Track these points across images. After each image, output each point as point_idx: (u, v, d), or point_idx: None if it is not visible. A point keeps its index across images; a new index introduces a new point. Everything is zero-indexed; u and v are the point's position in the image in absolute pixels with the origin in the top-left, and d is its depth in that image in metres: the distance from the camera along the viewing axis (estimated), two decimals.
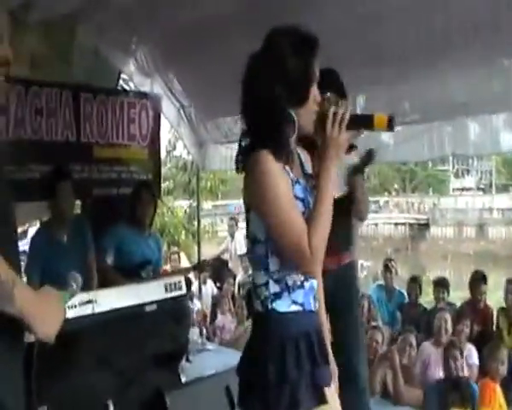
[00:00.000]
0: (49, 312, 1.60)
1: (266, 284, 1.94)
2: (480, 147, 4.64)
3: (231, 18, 4.54)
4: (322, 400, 1.90)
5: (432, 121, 4.58)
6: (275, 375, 1.87)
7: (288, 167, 1.91)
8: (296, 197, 1.90)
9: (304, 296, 1.95)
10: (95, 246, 4.58)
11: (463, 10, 3.83)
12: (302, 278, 1.95)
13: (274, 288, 1.94)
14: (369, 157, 3.05)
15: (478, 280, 5.76)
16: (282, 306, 1.94)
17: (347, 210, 3.20)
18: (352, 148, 2.88)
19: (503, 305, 5.64)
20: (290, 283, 1.94)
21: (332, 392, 2.00)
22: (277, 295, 1.94)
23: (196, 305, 6.88)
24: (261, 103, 1.90)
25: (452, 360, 4.34)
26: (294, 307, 1.94)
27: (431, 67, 3.61)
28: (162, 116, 6.52)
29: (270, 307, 1.94)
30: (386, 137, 4.29)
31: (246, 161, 1.93)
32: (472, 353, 4.74)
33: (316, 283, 2.01)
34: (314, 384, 1.91)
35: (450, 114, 4.49)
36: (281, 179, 1.85)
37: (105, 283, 4.39)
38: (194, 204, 11.13)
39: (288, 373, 1.88)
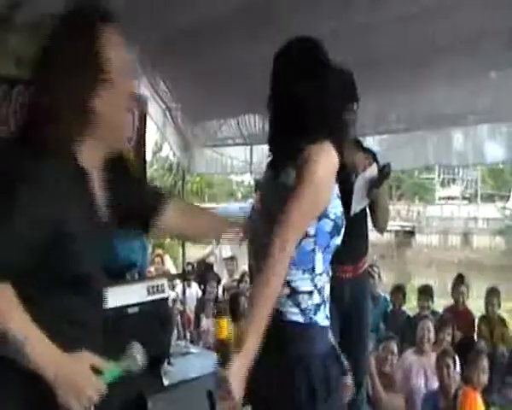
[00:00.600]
0: (76, 380, 1.43)
1: (311, 293, 1.88)
2: (465, 158, 4.65)
3: (219, 22, 4.53)
4: None
5: (417, 131, 4.60)
6: (321, 393, 1.80)
7: None
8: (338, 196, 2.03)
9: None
10: None
11: (450, 22, 3.84)
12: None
13: (317, 298, 1.89)
14: (386, 171, 3.06)
15: (457, 282, 5.82)
16: (322, 319, 1.92)
17: (364, 221, 3.22)
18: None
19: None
20: (325, 296, 1.93)
21: None
22: (318, 307, 1.89)
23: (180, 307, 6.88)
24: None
25: (446, 369, 4.34)
26: (327, 322, 1.94)
27: (417, 78, 3.63)
28: (148, 118, 6.48)
29: (313, 318, 1.87)
30: (371, 145, 4.28)
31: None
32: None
33: None
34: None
35: (435, 124, 4.51)
36: None
37: None
38: None
39: (332, 392, 1.83)
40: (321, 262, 1.89)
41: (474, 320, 5.72)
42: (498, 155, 4.40)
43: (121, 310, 3.66)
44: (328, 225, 1.87)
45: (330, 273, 1.99)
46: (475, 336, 5.63)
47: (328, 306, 1.94)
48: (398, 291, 6.13)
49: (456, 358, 4.54)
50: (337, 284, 2.75)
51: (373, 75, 3.33)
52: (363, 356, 3.22)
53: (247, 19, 4.38)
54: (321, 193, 1.82)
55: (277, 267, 1.73)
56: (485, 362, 4.37)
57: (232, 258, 8.87)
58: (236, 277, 8.14)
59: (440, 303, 6.94)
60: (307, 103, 1.88)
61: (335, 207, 1.91)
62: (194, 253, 11.39)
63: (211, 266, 9.17)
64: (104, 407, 1.50)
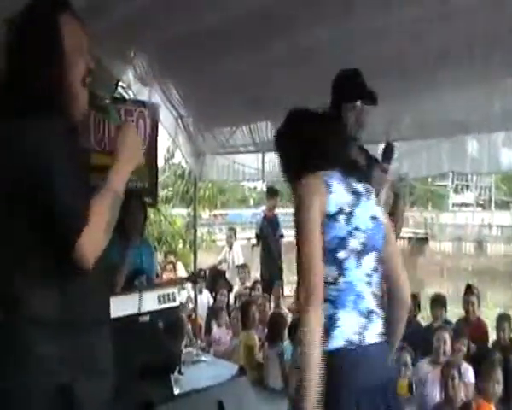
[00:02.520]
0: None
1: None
2: (479, 165, 4.61)
3: (231, 30, 4.52)
4: None
5: (431, 138, 4.56)
6: None
7: None
8: None
9: None
10: None
11: (464, 27, 3.81)
12: None
13: None
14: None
15: (467, 293, 5.74)
16: None
17: None
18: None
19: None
20: None
21: None
22: None
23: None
24: None
25: (450, 380, 4.28)
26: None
27: (431, 84, 3.59)
28: (160, 125, 6.49)
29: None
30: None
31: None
32: (468, 371, 4.68)
33: None
34: None
35: (449, 132, 4.47)
36: None
37: None
38: (193, 213, 11.11)
39: None
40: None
41: (487, 330, 5.64)
42: None
43: (132, 318, 3.66)
44: None
45: None
46: (489, 345, 5.56)
47: None
48: (413, 301, 6.06)
49: (471, 369, 4.49)
50: None
51: (386, 81, 3.28)
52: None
53: (260, 25, 4.37)
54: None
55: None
56: (499, 373, 4.30)
57: (244, 266, 8.85)
58: (248, 284, 8.12)
59: (454, 312, 6.88)
60: None
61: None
62: (207, 259, 11.39)
63: (223, 274, 9.15)
64: None
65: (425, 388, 4.72)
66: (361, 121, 2.90)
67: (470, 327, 5.47)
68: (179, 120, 6.67)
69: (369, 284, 1.97)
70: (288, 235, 18.40)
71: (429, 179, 31.99)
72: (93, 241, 1.65)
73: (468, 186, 36.93)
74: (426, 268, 27.19)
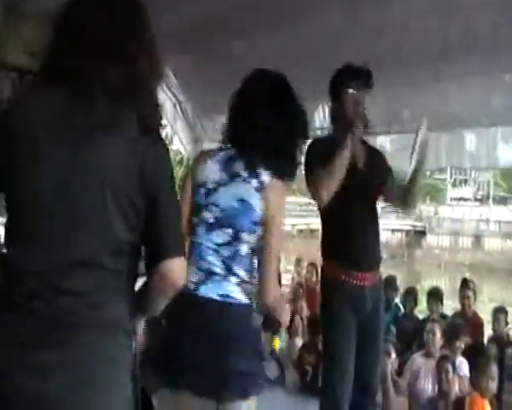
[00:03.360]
0: None
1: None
2: (477, 160, 4.61)
3: (230, 16, 4.48)
4: None
5: (430, 132, 4.54)
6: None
7: None
8: None
9: None
10: None
11: (464, 23, 3.81)
12: None
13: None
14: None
15: (463, 287, 5.75)
16: None
17: (377, 225, 3.19)
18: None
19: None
20: None
21: None
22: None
23: None
24: None
25: (445, 374, 4.28)
26: None
27: (431, 78, 3.60)
28: None
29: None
30: (383, 144, 4.26)
31: None
32: (462, 365, 4.67)
33: None
34: None
35: (448, 126, 4.47)
36: None
37: None
38: None
39: None
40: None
41: (482, 325, 5.62)
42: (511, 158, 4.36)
43: None
44: None
45: None
46: (484, 341, 5.55)
47: None
48: (410, 295, 6.04)
49: (465, 362, 4.48)
50: (359, 292, 2.97)
51: (385, 75, 3.27)
52: (376, 359, 3.18)
53: (262, 13, 4.34)
54: None
55: None
56: (494, 369, 4.28)
57: None
58: None
59: (450, 305, 6.87)
60: None
61: None
62: None
63: None
64: (107, 402, 1.51)
65: (418, 380, 4.72)
66: (358, 109, 2.87)
67: (466, 322, 5.46)
68: (177, 106, 6.63)
69: (216, 252, 2.17)
70: (286, 224, 18.39)
71: (428, 173, 32.04)
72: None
73: (466, 181, 37.01)
74: (423, 261, 27.27)
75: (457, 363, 4.62)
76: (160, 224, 1.56)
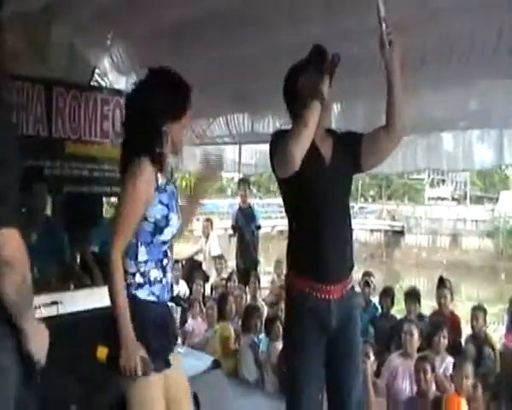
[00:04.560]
0: (43, 331, 1.73)
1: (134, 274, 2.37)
2: (454, 162, 4.66)
3: (208, 20, 4.50)
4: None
5: (407, 135, 4.61)
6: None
7: (159, 174, 2.35)
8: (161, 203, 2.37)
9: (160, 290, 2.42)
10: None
11: (441, 30, 3.85)
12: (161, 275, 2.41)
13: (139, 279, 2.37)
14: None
15: (439, 286, 5.79)
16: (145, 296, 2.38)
17: (350, 230, 2.80)
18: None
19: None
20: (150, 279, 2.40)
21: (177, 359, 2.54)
22: (141, 286, 2.37)
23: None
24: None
25: (423, 374, 4.32)
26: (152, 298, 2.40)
27: (409, 82, 3.63)
28: None
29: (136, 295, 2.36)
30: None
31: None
32: (450, 365, 4.72)
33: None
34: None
35: (425, 129, 4.50)
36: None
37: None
38: None
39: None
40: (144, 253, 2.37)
41: (459, 323, 5.67)
42: (488, 160, 4.41)
43: (106, 310, 3.64)
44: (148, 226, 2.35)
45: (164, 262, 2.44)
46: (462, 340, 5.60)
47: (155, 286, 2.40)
48: (387, 295, 6.09)
49: (452, 361, 4.53)
50: (323, 307, 2.64)
51: (362, 79, 3.29)
52: (354, 374, 2.81)
53: (237, 18, 4.36)
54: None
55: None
56: (469, 368, 4.35)
57: (221, 256, 8.83)
58: (225, 275, 8.10)
59: (428, 305, 6.93)
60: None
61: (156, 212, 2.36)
62: (184, 249, 11.32)
63: (199, 264, 9.11)
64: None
65: (396, 380, 4.76)
66: (315, 87, 2.53)
67: (443, 320, 5.51)
68: None
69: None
70: (266, 226, 18.41)
71: (406, 173, 32.25)
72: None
73: (443, 181, 37.33)
74: (402, 261, 27.46)
75: (446, 364, 4.69)
76: None
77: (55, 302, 3.07)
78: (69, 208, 5.65)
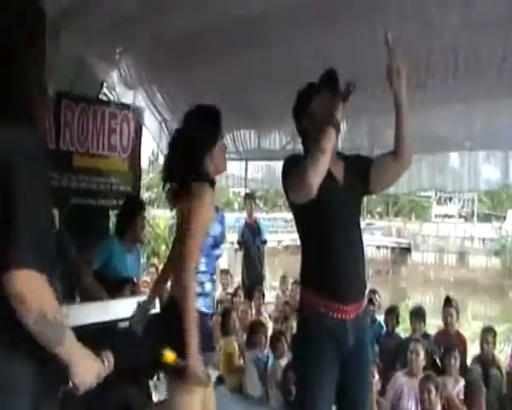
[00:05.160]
0: (89, 364, 1.74)
1: None
2: (459, 182, 4.65)
3: (216, 36, 4.52)
4: None
5: (413, 153, 4.61)
6: None
7: None
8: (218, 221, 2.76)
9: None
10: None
11: (446, 49, 3.86)
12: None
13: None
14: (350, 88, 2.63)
15: (445, 305, 5.77)
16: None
17: (362, 251, 2.82)
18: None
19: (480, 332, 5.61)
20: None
21: None
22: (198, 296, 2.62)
23: None
24: None
25: (427, 393, 4.29)
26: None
27: (415, 100, 3.63)
28: (144, 128, 6.47)
29: None
30: None
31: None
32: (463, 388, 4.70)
33: None
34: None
35: (430, 148, 4.50)
36: None
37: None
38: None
39: None
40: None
41: (466, 343, 5.64)
42: (493, 180, 4.41)
43: (111, 324, 3.64)
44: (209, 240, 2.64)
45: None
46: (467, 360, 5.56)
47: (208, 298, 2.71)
48: (392, 314, 6.06)
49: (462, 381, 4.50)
50: (339, 326, 2.65)
51: (368, 97, 3.29)
52: (367, 394, 2.88)
53: (245, 34, 4.38)
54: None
55: None
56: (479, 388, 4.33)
57: (226, 271, 8.82)
58: (230, 290, 8.09)
59: (434, 324, 6.89)
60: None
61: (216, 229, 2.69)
62: None
63: None
64: None
65: (401, 400, 4.73)
66: (329, 115, 2.57)
67: (449, 340, 5.48)
68: (163, 124, 6.66)
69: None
70: (272, 240, 18.40)
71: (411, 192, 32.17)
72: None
73: (451, 198, 37.24)
74: (408, 278, 27.32)
75: (459, 386, 4.70)
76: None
77: None
78: (75, 221, 5.66)
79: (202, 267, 2.65)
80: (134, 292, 4.65)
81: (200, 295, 2.61)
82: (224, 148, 2.86)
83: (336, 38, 4.08)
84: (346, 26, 3.90)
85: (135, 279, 4.82)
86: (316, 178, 2.44)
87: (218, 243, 2.70)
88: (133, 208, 4.86)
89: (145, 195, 16.12)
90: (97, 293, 4.36)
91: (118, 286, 4.51)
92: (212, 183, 2.71)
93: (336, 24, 3.93)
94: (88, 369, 1.72)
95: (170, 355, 2.51)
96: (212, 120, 2.77)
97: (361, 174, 2.74)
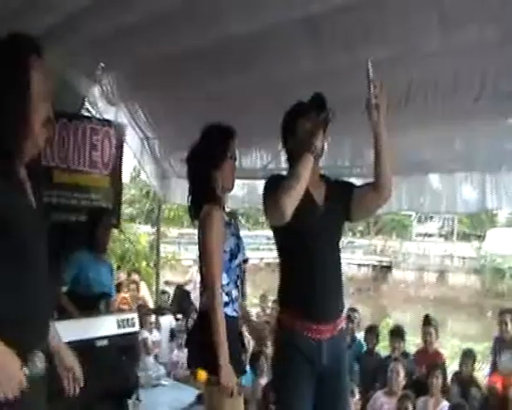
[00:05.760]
0: (8, 371, 1.64)
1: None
2: (437, 205, 4.68)
3: (197, 55, 4.55)
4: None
5: (393, 175, 4.64)
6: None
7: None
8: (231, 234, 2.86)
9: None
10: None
11: (426, 71, 3.91)
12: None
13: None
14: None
15: (424, 323, 5.81)
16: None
17: (340, 271, 2.86)
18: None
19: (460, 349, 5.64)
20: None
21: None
22: (226, 304, 2.75)
23: (155, 336, 6.80)
24: None
25: None
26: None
27: (395, 123, 3.68)
28: (125, 145, 6.45)
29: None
30: None
31: None
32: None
33: None
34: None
35: (410, 170, 4.53)
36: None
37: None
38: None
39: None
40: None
41: (444, 362, 5.65)
42: (471, 203, 4.45)
43: (90, 342, 3.61)
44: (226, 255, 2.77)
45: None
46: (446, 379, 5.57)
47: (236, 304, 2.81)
48: (372, 333, 6.09)
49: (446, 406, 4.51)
50: (314, 346, 2.66)
51: (348, 118, 3.31)
52: None
53: (225, 54, 4.42)
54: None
55: None
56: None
57: None
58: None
59: (414, 342, 6.91)
60: None
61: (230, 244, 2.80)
62: (172, 278, 11.23)
63: (187, 294, 9.04)
64: None
65: None
66: (314, 140, 2.59)
67: (428, 359, 5.51)
68: (145, 142, 6.65)
69: None
70: (253, 257, 18.34)
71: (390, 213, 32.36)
72: None
73: (431, 217, 37.44)
74: (389, 295, 27.39)
75: (440, 407, 4.74)
76: None
77: None
78: (54, 238, 5.60)
79: (225, 280, 2.76)
80: (109, 307, 4.61)
81: (228, 303, 2.75)
82: (233, 167, 2.87)
83: (320, 60, 4.13)
84: (334, 52, 3.95)
85: (110, 293, 4.78)
86: (289, 203, 2.49)
87: (234, 253, 2.80)
88: (99, 217, 4.85)
89: (126, 211, 16.06)
90: (71, 311, 4.31)
91: (92, 302, 4.46)
92: (219, 201, 2.82)
93: (322, 47, 3.99)
94: (7, 376, 1.64)
95: (202, 374, 2.64)
96: (221, 138, 2.85)
97: (342, 200, 2.78)
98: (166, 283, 8.72)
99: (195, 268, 9.46)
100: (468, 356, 5.54)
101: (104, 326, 3.81)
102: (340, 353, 2.80)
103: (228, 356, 2.59)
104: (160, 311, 7.20)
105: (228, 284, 2.77)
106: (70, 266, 4.57)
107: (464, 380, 5.30)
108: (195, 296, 8.85)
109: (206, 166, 2.79)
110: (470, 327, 19.16)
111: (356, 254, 32.36)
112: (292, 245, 2.72)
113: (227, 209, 2.98)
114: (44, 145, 1.89)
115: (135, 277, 9.38)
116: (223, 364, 2.57)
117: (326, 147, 2.72)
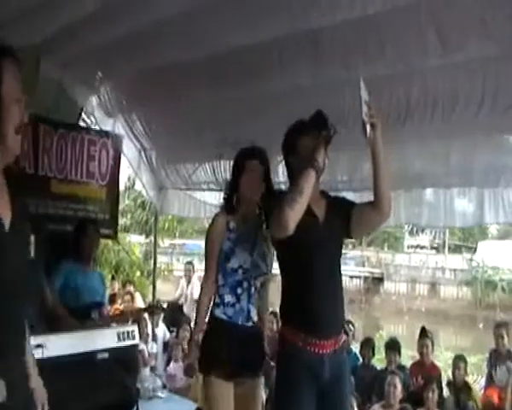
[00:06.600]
0: None
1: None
2: (433, 219, 4.71)
3: (195, 65, 4.57)
4: None
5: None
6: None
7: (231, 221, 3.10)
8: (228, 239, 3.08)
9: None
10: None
11: (424, 86, 3.95)
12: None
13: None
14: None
15: (421, 335, 5.84)
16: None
17: (340, 287, 2.87)
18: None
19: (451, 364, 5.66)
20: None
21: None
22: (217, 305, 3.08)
23: (153, 347, 6.79)
24: None
25: None
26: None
27: (392, 138, 3.71)
28: (122, 156, 6.45)
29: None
30: None
31: None
32: None
33: None
34: None
35: (406, 185, 4.56)
36: None
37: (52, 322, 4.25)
38: (152, 242, 10.97)
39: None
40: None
41: (440, 375, 5.67)
42: (468, 218, 4.47)
43: (91, 355, 3.60)
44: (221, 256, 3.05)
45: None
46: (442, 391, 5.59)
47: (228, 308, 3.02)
48: (368, 345, 6.10)
49: None
50: (316, 361, 2.68)
51: (349, 132, 3.34)
52: None
53: (223, 65, 4.44)
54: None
55: None
56: None
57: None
58: (206, 319, 8.00)
59: (407, 354, 6.91)
60: None
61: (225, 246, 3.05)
62: (164, 289, 11.17)
63: (180, 307, 9.01)
64: None
65: None
66: (315, 156, 2.64)
67: (424, 371, 5.53)
68: (142, 153, 6.65)
69: None
70: None
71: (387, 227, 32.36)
72: None
73: (423, 230, 37.54)
74: (381, 307, 27.42)
75: None
76: None
77: (39, 345, 3.01)
78: (51, 249, 5.58)
79: (220, 281, 3.04)
80: (101, 317, 4.57)
81: (218, 304, 3.04)
82: (251, 180, 3.05)
83: (320, 77, 4.16)
84: (332, 65, 3.98)
85: (103, 302, 4.74)
86: (292, 217, 2.53)
87: (228, 256, 3.02)
88: (84, 226, 4.83)
89: (120, 221, 16.00)
90: (69, 323, 4.28)
91: (83, 311, 4.43)
92: (232, 208, 3.11)
93: (321, 61, 4.01)
94: None
95: None
96: (238, 157, 3.16)
97: (342, 217, 2.80)
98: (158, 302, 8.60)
99: (183, 280, 9.48)
100: (459, 360, 5.58)
101: (105, 339, 3.80)
102: (341, 367, 2.81)
103: (199, 341, 3.04)
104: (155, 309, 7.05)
105: (223, 286, 3.03)
106: (57, 276, 4.54)
107: (458, 388, 5.34)
108: (188, 309, 8.86)
109: (233, 172, 3.17)
110: (462, 339, 19.18)
111: (348, 265, 32.36)
112: (293, 260, 2.75)
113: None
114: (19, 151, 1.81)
115: (130, 288, 9.34)
116: (191, 343, 3.02)
117: (326, 162, 2.72)
